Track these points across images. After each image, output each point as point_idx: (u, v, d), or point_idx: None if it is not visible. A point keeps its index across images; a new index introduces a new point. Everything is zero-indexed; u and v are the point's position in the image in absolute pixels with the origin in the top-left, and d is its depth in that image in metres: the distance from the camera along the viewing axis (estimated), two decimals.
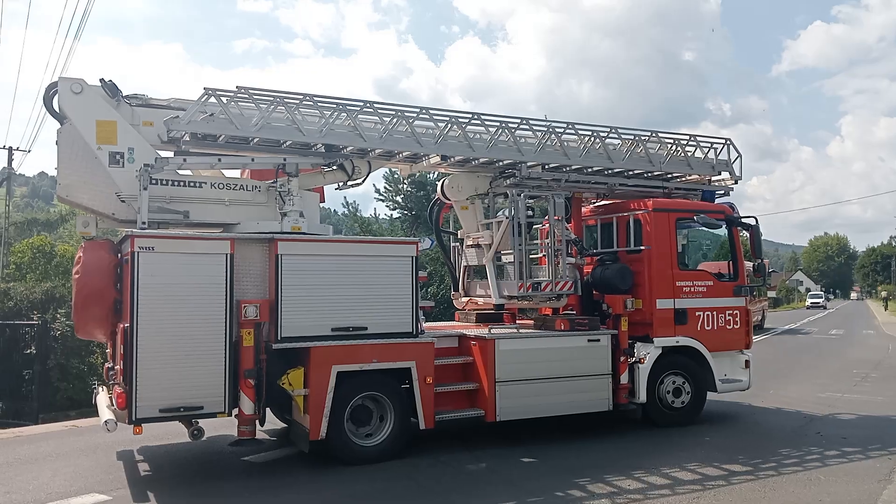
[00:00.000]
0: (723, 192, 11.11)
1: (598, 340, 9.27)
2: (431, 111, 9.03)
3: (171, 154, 8.15)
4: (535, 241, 9.86)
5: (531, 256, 9.74)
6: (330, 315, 7.72)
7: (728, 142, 11.20)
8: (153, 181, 7.79)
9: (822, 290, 51.17)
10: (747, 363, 10.44)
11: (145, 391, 6.89)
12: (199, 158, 8.04)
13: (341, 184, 9.28)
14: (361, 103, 8.60)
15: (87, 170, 7.82)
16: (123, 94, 8.04)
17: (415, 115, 8.86)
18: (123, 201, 7.78)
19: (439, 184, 10.44)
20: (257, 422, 7.58)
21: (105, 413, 7.32)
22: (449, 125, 9.03)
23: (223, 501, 6.85)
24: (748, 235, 10.57)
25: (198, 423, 7.35)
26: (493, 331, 8.91)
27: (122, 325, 7.04)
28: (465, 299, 10.71)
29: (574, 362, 9.07)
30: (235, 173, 8.81)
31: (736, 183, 11.20)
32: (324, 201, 9.63)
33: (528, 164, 9.54)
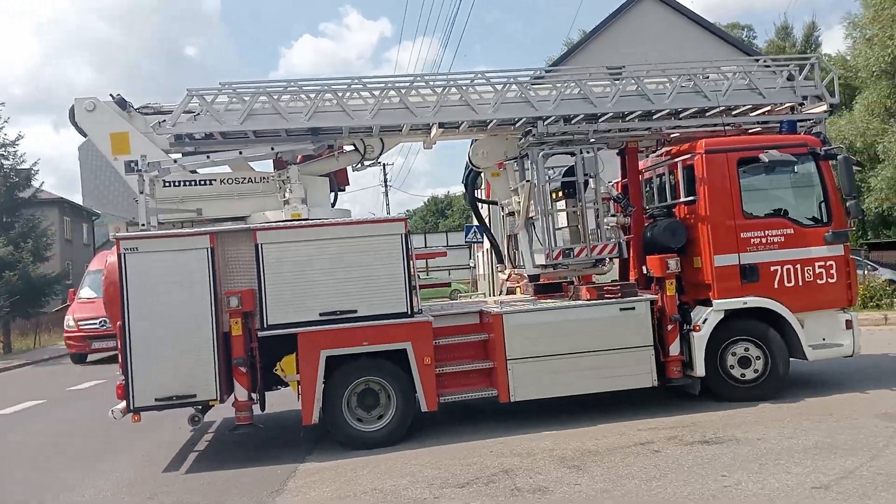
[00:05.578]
0: (812, 120, 9.22)
1: (633, 308, 8.21)
2: (427, 77, 8.56)
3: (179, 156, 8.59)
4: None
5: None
6: (317, 300, 7.65)
7: (816, 58, 9.29)
8: (165, 184, 8.31)
9: None
10: (849, 323, 8.63)
11: (140, 383, 7.36)
12: (191, 158, 8.37)
13: (358, 164, 9.17)
14: (349, 81, 8.37)
15: (107, 179, 8.52)
16: (135, 106, 8.61)
17: (408, 84, 8.44)
18: None
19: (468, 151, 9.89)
20: (256, 407, 7.78)
21: (118, 402, 7.94)
22: (446, 89, 8.48)
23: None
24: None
25: (198, 409, 7.73)
26: (503, 305, 8.28)
27: (118, 323, 7.56)
28: (509, 270, 10.10)
29: (604, 335, 8.11)
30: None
31: (831, 108, 9.24)
32: (348, 183, 9.58)
33: (546, 119, 8.65)
